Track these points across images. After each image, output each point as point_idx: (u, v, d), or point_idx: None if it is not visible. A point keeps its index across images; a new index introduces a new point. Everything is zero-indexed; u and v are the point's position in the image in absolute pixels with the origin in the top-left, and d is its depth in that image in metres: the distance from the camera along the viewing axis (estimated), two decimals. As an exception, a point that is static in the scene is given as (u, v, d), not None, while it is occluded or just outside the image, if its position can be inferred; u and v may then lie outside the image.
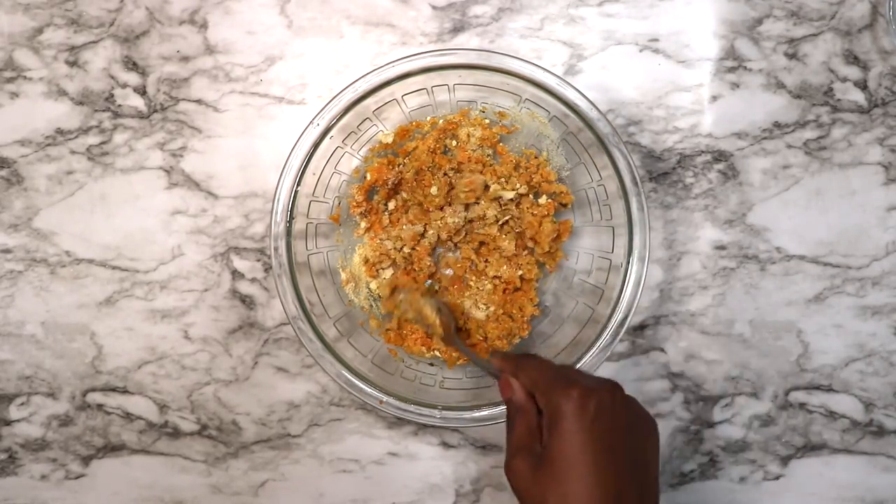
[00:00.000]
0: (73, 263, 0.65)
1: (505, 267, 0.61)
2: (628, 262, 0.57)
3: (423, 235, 0.62)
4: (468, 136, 0.62)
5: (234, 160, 0.65)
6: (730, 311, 0.64)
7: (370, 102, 0.59)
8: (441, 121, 0.62)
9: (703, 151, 0.64)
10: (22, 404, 0.66)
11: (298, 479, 0.65)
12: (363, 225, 0.63)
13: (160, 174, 0.65)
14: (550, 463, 0.44)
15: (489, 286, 0.62)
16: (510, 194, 0.61)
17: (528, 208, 0.61)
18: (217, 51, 0.65)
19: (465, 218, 0.62)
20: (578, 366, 0.57)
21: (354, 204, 0.62)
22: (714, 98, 0.64)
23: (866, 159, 0.64)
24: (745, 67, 0.64)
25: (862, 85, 0.64)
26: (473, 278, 0.62)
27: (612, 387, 0.46)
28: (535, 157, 0.62)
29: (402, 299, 0.59)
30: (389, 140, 0.62)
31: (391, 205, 0.63)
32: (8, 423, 0.66)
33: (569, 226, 0.61)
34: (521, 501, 0.46)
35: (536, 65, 0.57)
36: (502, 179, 0.61)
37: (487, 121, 0.62)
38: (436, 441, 0.65)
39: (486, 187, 0.61)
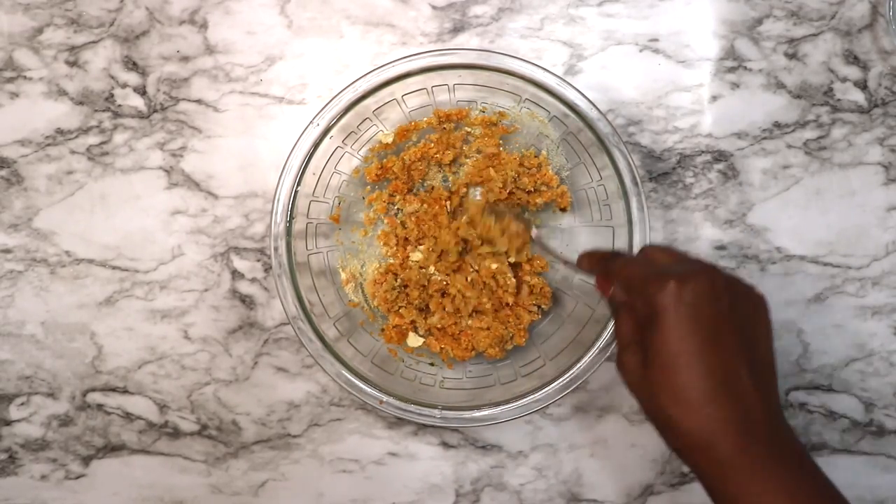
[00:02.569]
0: (73, 263, 0.65)
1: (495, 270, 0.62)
2: (628, 262, 0.57)
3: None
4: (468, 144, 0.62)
5: (234, 160, 0.65)
6: (730, 311, 0.64)
7: (370, 102, 0.59)
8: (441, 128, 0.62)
9: (703, 151, 0.64)
10: (22, 404, 0.66)
11: (298, 479, 0.65)
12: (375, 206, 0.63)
13: (160, 174, 0.65)
14: (656, 358, 0.43)
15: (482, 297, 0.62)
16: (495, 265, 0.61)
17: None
18: (217, 51, 0.65)
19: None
20: (578, 365, 0.57)
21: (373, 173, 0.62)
22: (714, 98, 0.64)
23: (866, 159, 0.64)
24: (745, 67, 0.64)
25: (862, 85, 0.64)
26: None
27: (709, 271, 0.44)
28: (536, 157, 0.62)
29: (486, 218, 0.58)
30: (389, 140, 0.62)
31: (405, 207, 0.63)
32: (8, 423, 0.66)
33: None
34: (634, 396, 0.45)
35: (536, 65, 0.57)
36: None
37: (489, 115, 0.62)
38: (436, 441, 0.65)
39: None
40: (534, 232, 0.58)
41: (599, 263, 0.50)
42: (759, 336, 0.45)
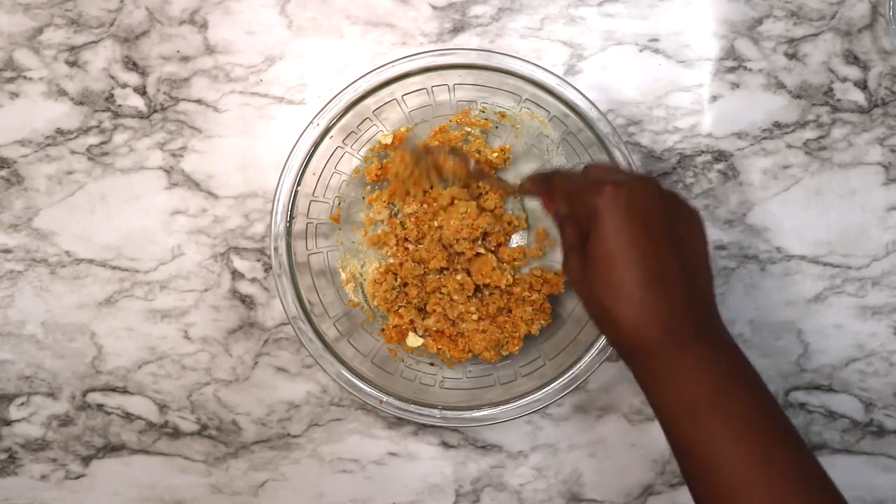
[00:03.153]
0: (73, 263, 0.65)
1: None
2: (628, 262, 0.57)
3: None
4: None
5: (234, 160, 0.65)
6: (730, 311, 0.64)
7: (370, 102, 0.59)
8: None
9: (703, 151, 0.64)
10: (22, 404, 0.66)
11: (298, 479, 0.65)
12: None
13: (160, 174, 0.65)
14: (594, 256, 0.45)
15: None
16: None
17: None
18: (217, 51, 0.65)
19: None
20: (578, 365, 0.57)
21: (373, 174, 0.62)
22: (714, 98, 0.64)
23: (866, 159, 0.64)
24: (745, 67, 0.64)
25: (862, 85, 0.64)
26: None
27: (645, 179, 0.47)
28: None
29: (422, 161, 0.58)
30: (389, 140, 0.62)
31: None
32: (8, 423, 0.66)
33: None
34: (577, 293, 0.48)
35: (536, 65, 0.57)
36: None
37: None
38: (436, 441, 0.65)
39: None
40: (470, 163, 0.58)
41: (541, 183, 0.52)
42: (694, 241, 0.47)
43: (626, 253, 0.44)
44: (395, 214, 0.64)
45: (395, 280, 0.62)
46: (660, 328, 0.44)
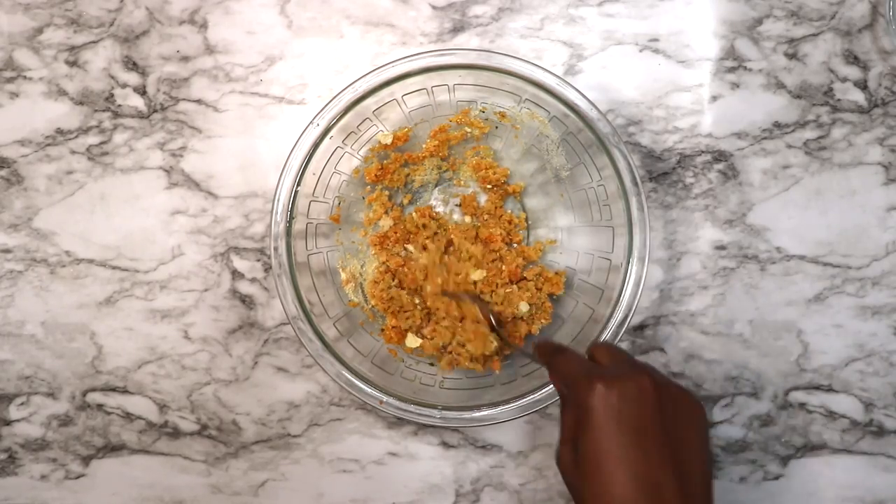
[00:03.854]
0: (73, 263, 0.65)
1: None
2: (628, 263, 0.57)
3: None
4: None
5: (234, 160, 0.65)
6: (730, 311, 0.64)
7: (370, 102, 0.59)
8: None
9: (703, 151, 0.64)
10: (22, 404, 0.66)
11: (298, 479, 0.65)
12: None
13: (160, 174, 0.65)
14: (584, 457, 0.43)
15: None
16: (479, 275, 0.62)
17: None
18: (217, 51, 0.65)
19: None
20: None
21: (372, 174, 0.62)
22: (714, 98, 0.64)
23: (866, 159, 0.64)
24: (745, 67, 0.64)
25: (862, 85, 0.64)
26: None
27: (639, 374, 0.45)
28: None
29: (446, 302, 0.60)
30: (389, 140, 0.62)
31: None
32: (8, 423, 0.66)
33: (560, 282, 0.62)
34: (569, 489, 0.46)
35: (536, 65, 0.57)
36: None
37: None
38: (436, 441, 0.65)
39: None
40: (490, 316, 0.59)
41: (545, 358, 0.50)
42: (692, 443, 0.45)
43: (614, 461, 0.42)
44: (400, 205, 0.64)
45: (393, 280, 0.62)
46: None
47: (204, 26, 0.65)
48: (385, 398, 0.58)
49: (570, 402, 0.46)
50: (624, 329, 0.57)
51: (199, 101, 0.65)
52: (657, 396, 0.44)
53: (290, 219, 0.58)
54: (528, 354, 0.54)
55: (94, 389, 0.65)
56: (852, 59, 0.64)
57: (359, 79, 0.58)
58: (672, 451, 0.43)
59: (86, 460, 0.66)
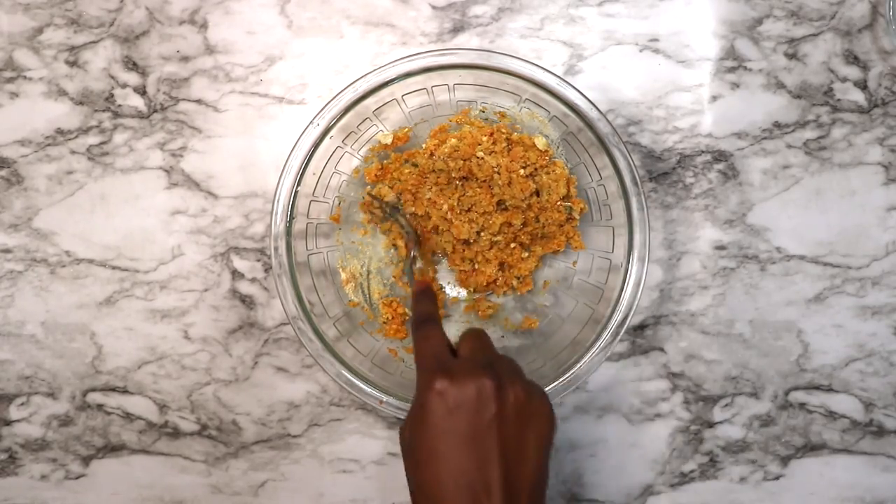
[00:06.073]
0: (73, 263, 0.65)
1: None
2: (628, 262, 0.57)
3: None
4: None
5: (234, 160, 0.65)
6: (730, 311, 0.64)
7: (370, 102, 0.59)
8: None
9: (703, 151, 0.64)
10: (22, 404, 0.66)
11: (298, 479, 0.65)
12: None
13: (160, 174, 0.65)
14: (414, 447, 0.43)
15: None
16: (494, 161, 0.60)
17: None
18: (217, 51, 0.65)
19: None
20: (578, 365, 0.57)
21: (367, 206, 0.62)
22: (714, 98, 0.64)
23: (866, 159, 0.64)
24: (745, 67, 0.64)
25: (862, 85, 0.64)
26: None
27: (484, 375, 0.43)
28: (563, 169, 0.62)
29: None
30: (389, 140, 0.62)
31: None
32: (8, 423, 0.66)
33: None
34: (404, 465, 0.45)
35: (536, 65, 0.57)
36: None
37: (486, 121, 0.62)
38: (436, 441, 0.65)
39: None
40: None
41: (416, 320, 0.50)
42: (527, 446, 0.44)
43: (440, 462, 0.42)
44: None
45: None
46: None
47: (204, 26, 0.65)
48: (385, 398, 0.58)
49: (416, 385, 0.45)
50: (624, 329, 0.57)
51: (199, 101, 0.65)
52: (497, 400, 0.43)
53: (290, 219, 0.58)
54: (410, 286, 0.53)
55: (94, 389, 0.65)
56: (852, 59, 0.64)
57: (359, 79, 0.58)
58: (502, 455, 0.42)
59: (86, 460, 0.66)
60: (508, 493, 0.42)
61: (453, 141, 0.61)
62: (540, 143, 0.61)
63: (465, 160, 0.60)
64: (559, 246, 0.62)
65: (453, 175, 0.61)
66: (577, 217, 0.62)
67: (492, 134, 0.61)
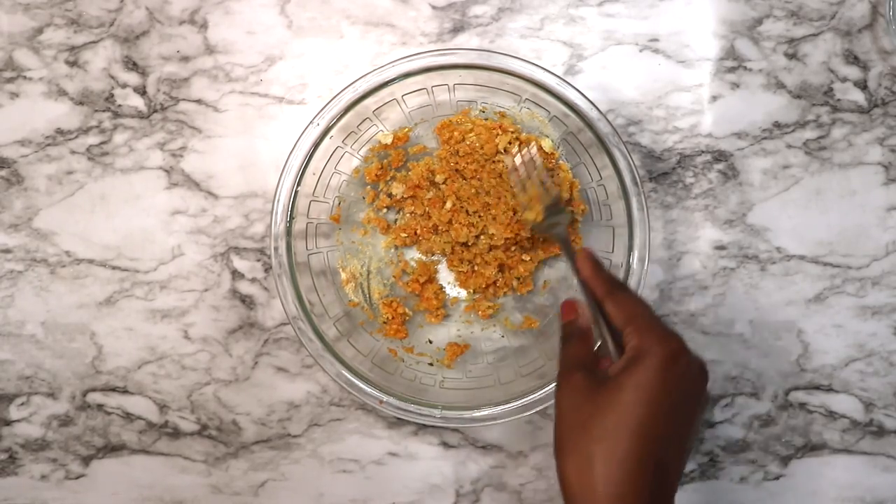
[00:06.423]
0: (73, 263, 0.65)
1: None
2: (628, 262, 0.57)
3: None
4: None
5: (234, 160, 0.65)
6: (730, 311, 0.64)
7: (370, 102, 0.59)
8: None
9: (703, 151, 0.64)
10: (22, 404, 0.66)
11: (298, 479, 0.65)
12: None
13: (160, 174, 0.65)
14: (617, 388, 0.41)
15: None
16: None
17: None
18: (217, 51, 0.65)
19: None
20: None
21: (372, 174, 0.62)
22: (714, 98, 0.64)
23: (866, 159, 0.64)
24: (745, 67, 0.64)
25: (862, 85, 0.64)
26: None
27: (701, 360, 0.44)
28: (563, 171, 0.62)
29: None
30: (389, 140, 0.62)
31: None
32: (8, 423, 0.66)
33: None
34: (561, 416, 0.43)
35: (536, 65, 0.57)
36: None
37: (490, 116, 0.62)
38: (436, 441, 0.65)
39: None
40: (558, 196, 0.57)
41: (603, 287, 0.48)
42: (694, 423, 0.44)
43: (647, 415, 0.40)
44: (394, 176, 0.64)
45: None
46: None
47: (204, 26, 0.65)
48: (385, 398, 0.58)
49: (590, 336, 0.45)
50: (624, 329, 0.57)
51: (199, 101, 0.65)
52: (702, 384, 0.43)
53: (291, 219, 0.59)
54: (572, 264, 0.50)
55: (94, 389, 0.65)
56: (852, 59, 0.64)
57: (359, 79, 0.58)
58: (680, 435, 0.43)
59: (86, 460, 0.66)
60: (680, 468, 0.43)
61: (472, 137, 0.61)
62: (546, 144, 0.61)
63: (487, 160, 0.61)
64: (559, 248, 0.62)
65: (471, 176, 0.61)
66: (579, 218, 0.62)
67: (505, 131, 0.61)
